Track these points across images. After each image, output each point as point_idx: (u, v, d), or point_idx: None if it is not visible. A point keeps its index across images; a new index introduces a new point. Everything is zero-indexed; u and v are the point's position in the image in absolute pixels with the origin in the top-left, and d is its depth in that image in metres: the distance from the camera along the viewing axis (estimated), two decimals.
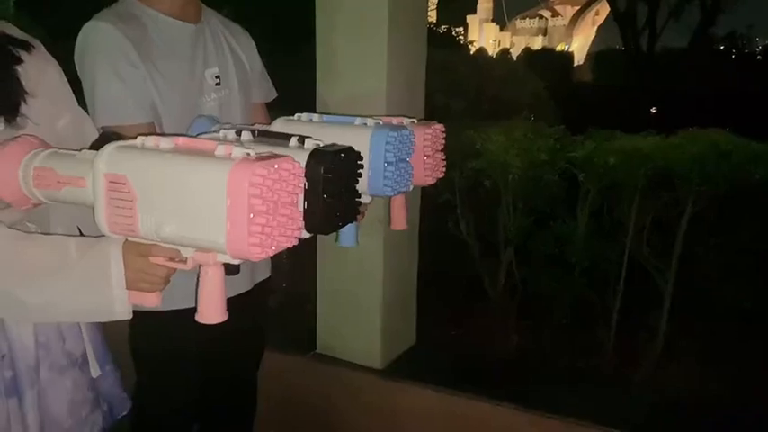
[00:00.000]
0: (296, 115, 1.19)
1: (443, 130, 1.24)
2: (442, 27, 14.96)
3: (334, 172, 0.88)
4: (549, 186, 2.84)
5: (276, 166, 0.77)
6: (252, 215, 0.75)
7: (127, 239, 0.90)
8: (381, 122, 1.12)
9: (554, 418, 2.13)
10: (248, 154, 0.78)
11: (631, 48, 16.73)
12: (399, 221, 1.27)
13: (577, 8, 36.25)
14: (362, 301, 2.48)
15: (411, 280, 2.69)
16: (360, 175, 0.94)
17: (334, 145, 0.93)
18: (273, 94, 1.84)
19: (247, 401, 1.85)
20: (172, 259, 0.89)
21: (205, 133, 1.09)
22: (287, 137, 0.95)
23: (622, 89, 10.26)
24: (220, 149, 0.79)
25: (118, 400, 1.33)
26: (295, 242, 0.80)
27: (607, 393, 2.49)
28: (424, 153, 1.15)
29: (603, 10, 30.18)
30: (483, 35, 37.00)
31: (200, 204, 0.77)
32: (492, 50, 26.81)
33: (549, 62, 16.42)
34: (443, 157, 1.24)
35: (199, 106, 1.49)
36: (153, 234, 0.83)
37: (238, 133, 0.98)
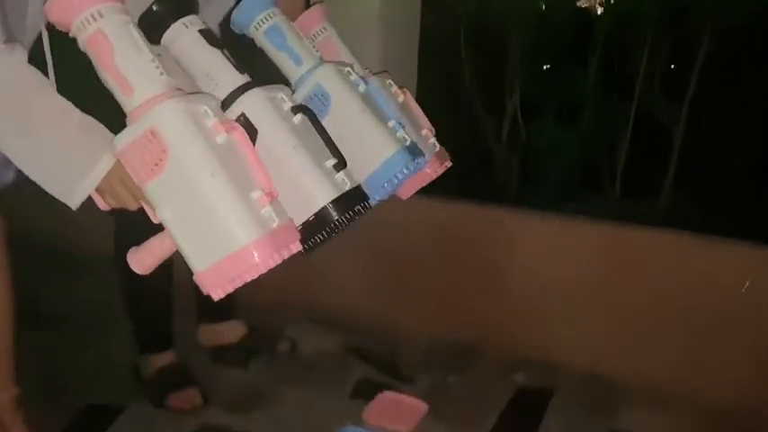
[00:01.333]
0: (349, 70, 1.10)
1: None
2: None
3: (346, 223, 0.91)
4: (558, 27, 2.74)
5: (289, 253, 0.81)
6: (238, 280, 0.79)
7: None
8: (408, 139, 1.07)
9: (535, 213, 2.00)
10: (274, 220, 0.80)
11: None
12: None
13: None
14: None
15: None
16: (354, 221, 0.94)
17: (358, 189, 0.94)
18: None
19: None
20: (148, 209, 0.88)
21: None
22: (331, 148, 0.93)
23: None
24: (254, 195, 0.80)
25: None
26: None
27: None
28: (420, 179, 1.14)
29: None
30: None
31: (207, 232, 0.79)
32: None
33: None
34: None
35: None
36: (151, 201, 0.83)
37: (294, 110, 0.92)
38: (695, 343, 1.60)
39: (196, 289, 0.82)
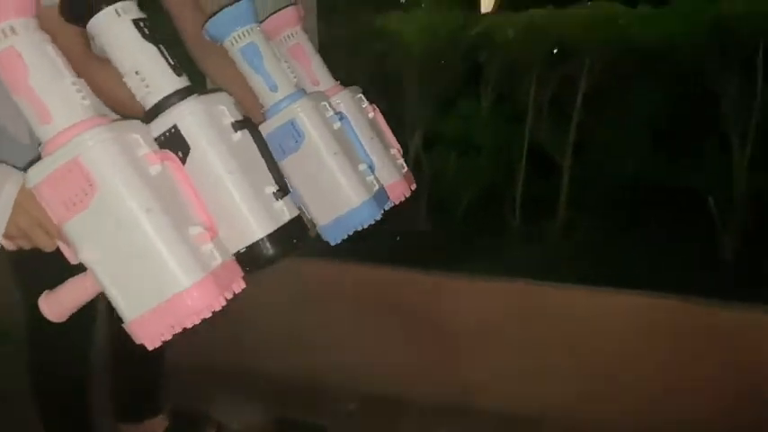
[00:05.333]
0: (326, 104, 1.04)
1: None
2: None
3: (283, 255, 0.83)
4: (451, 67, 2.85)
5: (234, 291, 0.75)
6: (175, 328, 0.72)
7: (26, 192, 0.76)
8: (377, 186, 1.04)
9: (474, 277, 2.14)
10: (216, 258, 0.74)
11: None
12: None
13: None
14: None
15: None
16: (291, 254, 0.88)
17: (298, 220, 0.86)
18: None
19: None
20: (68, 248, 0.78)
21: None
22: (273, 170, 0.85)
23: None
24: (193, 231, 0.73)
25: None
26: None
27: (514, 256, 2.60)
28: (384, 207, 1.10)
29: None
30: None
31: (141, 274, 0.71)
32: None
33: None
34: None
35: None
36: (71, 240, 0.74)
37: (234, 127, 0.82)
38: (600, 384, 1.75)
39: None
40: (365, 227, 1.02)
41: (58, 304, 0.78)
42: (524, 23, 2.68)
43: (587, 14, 2.60)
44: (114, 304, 0.74)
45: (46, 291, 0.78)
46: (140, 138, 0.74)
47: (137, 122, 0.78)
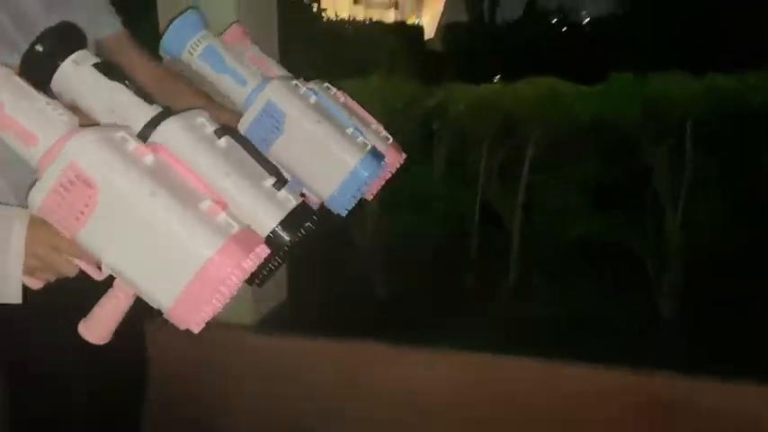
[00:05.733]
0: (297, 83, 1.03)
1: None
2: None
3: (300, 241, 0.83)
4: (405, 134, 3.00)
5: (258, 257, 0.72)
6: (213, 301, 0.70)
7: (35, 221, 0.78)
8: (369, 144, 1.03)
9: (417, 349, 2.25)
10: (233, 225, 0.72)
11: (477, 19, 17.61)
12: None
13: None
14: None
15: None
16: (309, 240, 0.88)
17: (303, 206, 0.85)
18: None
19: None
20: (90, 264, 0.79)
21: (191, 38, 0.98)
22: (266, 166, 0.84)
23: (469, 55, 10.88)
24: (203, 205, 0.72)
25: None
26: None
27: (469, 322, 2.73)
28: (384, 177, 1.10)
29: None
30: (336, 6, 36.95)
31: (163, 261, 0.71)
32: (347, 23, 26.89)
33: (401, 34, 16.82)
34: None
35: None
36: (91, 249, 0.74)
37: (217, 133, 0.83)
38: None
39: None
40: (369, 184, 1.00)
41: (97, 325, 0.78)
42: (475, 97, 2.87)
43: (532, 90, 2.81)
44: (150, 300, 0.74)
45: (83, 319, 0.79)
46: (127, 134, 0.75)
47: (120, 125, 0.78)
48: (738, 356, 2.19)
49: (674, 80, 2.71)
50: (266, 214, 0.82)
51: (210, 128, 0.83)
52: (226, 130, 0.84)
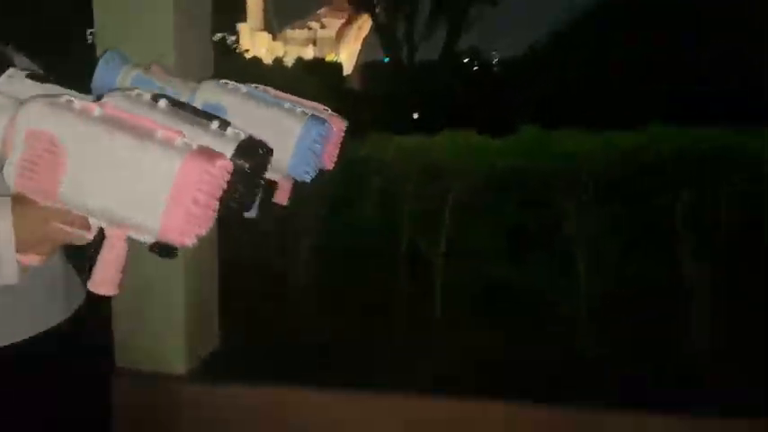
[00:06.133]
0: (226, 81, 1.12)
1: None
2: (216, 35, 14.81)
3: (257, 167, 0.89)
4: (334, 183, 3.15)
5: (223, 165, 0.78)
6: (192, 207, 0.76)
7: (17, 199, 0.83)
8: (309, 112, 1.10)
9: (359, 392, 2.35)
10: (191, 146, 0.77)
11: (394, 59, 18.22)
12: (282, 198, 1.20)
13: (343, 21, 38.14)
14: (161, 308, 2.48)
15: (212, 283, 2.74)
16: (266, 169, 0.93)
17: (251, 137, 0.92)
18: None
19: None
20: (79, 226, 0.84)
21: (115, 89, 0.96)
22: (208, 117, 0.92)
23: (388, 96, 11.25)
24: (160, 134, 0.78)
25: None
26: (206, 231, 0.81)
27: (398, 359, 2.85)
28: (334, 143, 1.16)
29: (367, 24, 32.16)
30: (256, 44, 37.06)
31: (140, 187, 0.76)
32: (266, 59, 27.09)
33: (322, 71, 17.14)
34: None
35: None
36: (74, 202, 0.80)
37: (154, 98, 0.89)
38: None
39: None
40: (320, 142, 1.07)
41: (103, 278, 0.83)
42: (401, 148, 3.06)
43: (452, 143, 3.03)
44: (139, 232, 0.79)
45: (89, 280, 0.82)
46: (70, 97, 0.79)
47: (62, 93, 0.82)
48: (650, 390, 2.42)
49: (575, 135, 3.01)
50: (221, 147, 0.85)
51: (147, 95, 0.88)
52: (161, 95, 0.89)
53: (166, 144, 0.77)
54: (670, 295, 2.97)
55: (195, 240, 0.78)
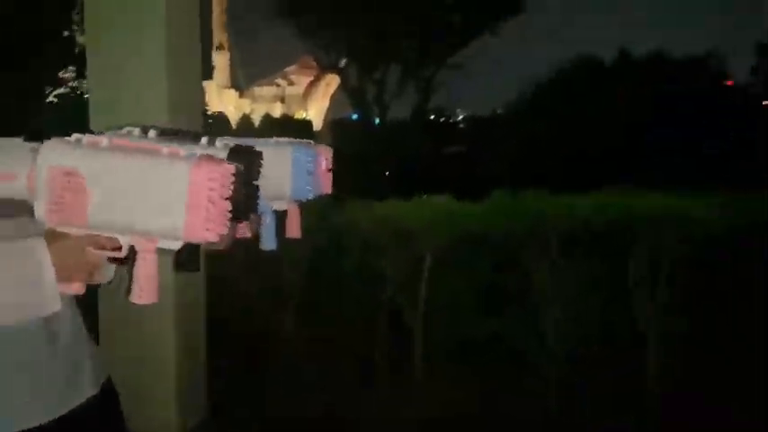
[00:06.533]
0: (205, 139, 1.09)
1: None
2: None
3: (251, 167, 0.97)
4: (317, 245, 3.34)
5: (226, 166, 0.87)
6: (209, 205, 0.84)
7: (50, 233, 0.92)
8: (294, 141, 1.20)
9: None
10: (195, 154, 0.87)
11: (364, 117, 18.73)
12: (295, 230, 1.29)
13: (311, 78, 38.91)
14: (150, 378, 2.56)
15: (200, 353, 2.81)
16: (259, 172, 1.01)
17: (239, 145, 1.00)
18: None
19: None
20: (111, 248, 0.92)
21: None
22: (196, 136, 1.00)
23: (360, 156, 11.58)
24: (165, 150, 0.87)
25: None
26: (227, 230, 0.88)
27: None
28: (327, 168, 1.27)
29: (335, 81, 32.88)
30: (223, 101, 37.52)
31: (159, 198, 0.84)
32: (233, 116, 27.43)
33: (291, 129, 17.50)
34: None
35: None
36: (103, 226, 0.88)
37: (144, 130, 0.98)
38: None
39: None
40: (312, 165, 1.16)
41: (142, 289, 0.90)
42: (379, 214, 3.27)
43: (429, 208, 3.25)
44: (166, 238, 0.87)
45: (130, 294, 0.90)
46: (75, 137, 0.88)
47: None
48: None
49: (541, 199, 3.27)
50: (216, 156, 0.93)
51: (137, 129, 0.97)
52: (150, 126, 0.98)
53: (174, 157, 0.86)
54: (631, 349, 3.19)
55: (217, 238, 0.86)
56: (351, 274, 3.45)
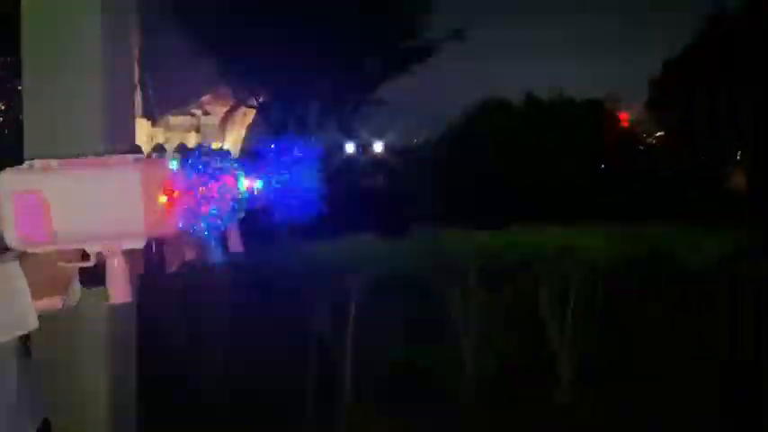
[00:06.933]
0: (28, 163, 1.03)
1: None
2: None
3: (195, 161, 0.98)
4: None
5: (167, 163, 0.93)
6: (164, 201, 0.90)
7: (22, 255, 0.96)
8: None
9: None
10: (141, 157, 0.95)
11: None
12: (236, 244, 1.10)
13: (227, 108, 38.40)
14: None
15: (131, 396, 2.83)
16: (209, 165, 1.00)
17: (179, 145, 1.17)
18: None
19: None
20: (79, 260, 0.97)
21: None
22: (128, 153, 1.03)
23: None
24: (114, 159, 0.95)
25: None
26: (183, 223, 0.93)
27: None
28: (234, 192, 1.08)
29: (251, 111, 32.61)
30: (136, 130, 36.23)
31: (116, 203, 0.91)
32: (146, 146, 26.64)
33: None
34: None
35: None
36: (70, 238, 0.94)
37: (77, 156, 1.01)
38: None
39: None
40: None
41: (116, 291, 0.96)
42: (305, 253, 3.45)
43: (354, 247, 3.47)
44: (130, 238, 0.94)
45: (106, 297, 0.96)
46: (26, 164, 0.94)
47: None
48: None
49: (455, 237, 3.56)
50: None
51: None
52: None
53: (122, 163, 0.94)
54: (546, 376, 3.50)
55: (177, 230, 0.92)
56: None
